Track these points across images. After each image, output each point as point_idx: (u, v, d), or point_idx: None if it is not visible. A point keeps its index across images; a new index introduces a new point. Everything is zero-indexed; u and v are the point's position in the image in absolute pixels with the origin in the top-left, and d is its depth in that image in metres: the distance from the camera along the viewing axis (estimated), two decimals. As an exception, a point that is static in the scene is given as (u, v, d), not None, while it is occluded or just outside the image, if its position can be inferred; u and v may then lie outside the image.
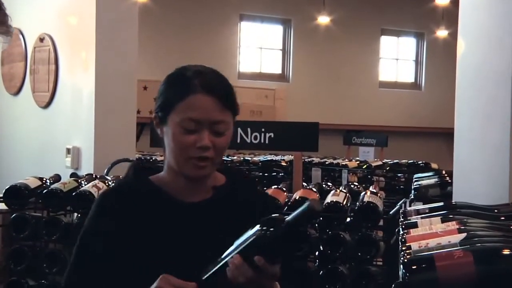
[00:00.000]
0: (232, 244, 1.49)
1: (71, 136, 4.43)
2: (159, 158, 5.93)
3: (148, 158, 6.13)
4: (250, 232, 1.46)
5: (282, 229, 1.41)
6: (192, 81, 1.64)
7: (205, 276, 1.49)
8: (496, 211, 1.70)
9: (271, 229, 1.42)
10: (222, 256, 1.49)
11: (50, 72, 4.57)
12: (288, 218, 1.42)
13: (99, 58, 4.19)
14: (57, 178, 3.31)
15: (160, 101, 1.69)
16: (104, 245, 1.65)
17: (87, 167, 4.17)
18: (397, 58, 11.93)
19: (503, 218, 1.63)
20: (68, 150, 4.35)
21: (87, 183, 3.07)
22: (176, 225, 1.66)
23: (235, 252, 1.46)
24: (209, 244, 1.58)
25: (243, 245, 1.46)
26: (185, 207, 1.68)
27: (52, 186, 3.00)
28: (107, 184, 3.09)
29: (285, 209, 2.69)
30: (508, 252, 1.25)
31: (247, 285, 1.45)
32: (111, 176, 3.36)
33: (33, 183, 3.09)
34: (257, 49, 10.80)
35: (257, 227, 1.44)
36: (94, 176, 3.32)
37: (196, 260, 1.52)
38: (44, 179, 3.20)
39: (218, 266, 1.48)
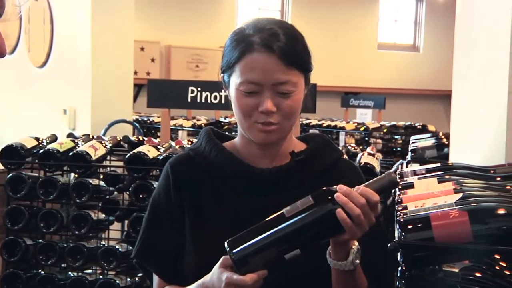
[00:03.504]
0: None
1: (67, 97, 4.41)
2: (156, 120, 5.91)
3: (145, 119, 6.12)
4: (301, 200, 1.36)
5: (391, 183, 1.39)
6: (250, 38, 1.49)
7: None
8: (492, 171, 1.70)
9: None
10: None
11: (45, 31, 4.53)
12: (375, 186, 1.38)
13: (95, 18, 4.15)
14: (53, 138, 3.29)
15: (223, 62, 1.56)
16: (170, 212, 1.60)
17: (83, 128, 4.17)
18: (396, 19, 11.83)
19: (499, 178, 1.63)
20: (65, 111, 4.33)
21: (84, 143, 3.06)
22: (245, 192, 1.56)
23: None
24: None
25: (374, 186, 1.38)
26: (257, 173, 1.55)
27: (49, 146, 2.99)
28: (104, 144, 3.08)
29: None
30: (503, 212, 1.25)
31: (355, 233, 1.35)
32: (108, 137, 3.35)
33: (30, 143, 3.07)
34: (256, 10, 10.70)
35: (308, 197, 1.36)
36: (91, 137, 3.31)
37: None
38: (41, 139, 3.18)
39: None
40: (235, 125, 5.33)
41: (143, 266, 1.67)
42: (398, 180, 1.45)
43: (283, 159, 1.58)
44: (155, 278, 1.64)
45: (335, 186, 1.38)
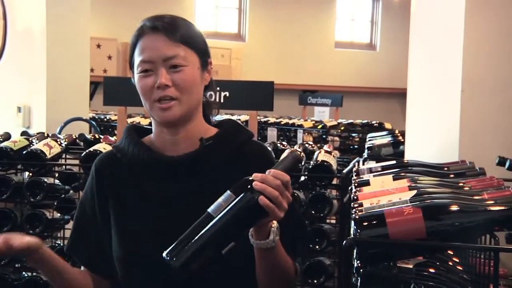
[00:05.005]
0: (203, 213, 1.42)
1: (22, 94, 4.33)
2: (113, 118, 5.86)
3: (102, 117, 6.06)
4: (223, 197, 1.42)
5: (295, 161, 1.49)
6: (141, 27, 1.63)
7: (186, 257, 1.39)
8: (446, 169, 1.73)
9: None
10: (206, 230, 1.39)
11: (-2, 28, 4.44)
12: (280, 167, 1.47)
13: (50, 14, 4.09)
14: (7, 136, 3.23)
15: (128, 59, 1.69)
16: (95, 209, 1.69)
17: (38, 126, 4.10)
18: (352, 18, 11.93)
19: (452, 175, 1.66)
20: (19, 109, 4.26)
21: (39, 142, 3.01)
22: (160, 180, 1.64)
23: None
24: (189, 203, 1.54)
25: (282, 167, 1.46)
26: (167, 161, 1.64)
27: (2, 144, 2.93)
28: (59, 142, 3.03)
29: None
30: (456, 208, 1.27)
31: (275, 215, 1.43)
32: (64, 135, 3.30)
33: (-18, 141, 3.01)
34: (214, 8, 10.68)
35: (228, 192, 1.42)
36: (46, 135, 3.26)
37: (174, 220, 1.49)
38: (-7, 137, 3.12)
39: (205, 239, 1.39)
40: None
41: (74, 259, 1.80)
42: (300, 155, 1.55)
43: (194, 145, 1.65)
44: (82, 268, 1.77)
45: (253, 175, 1.45)
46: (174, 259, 1.38)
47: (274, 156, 1.92)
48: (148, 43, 1.60)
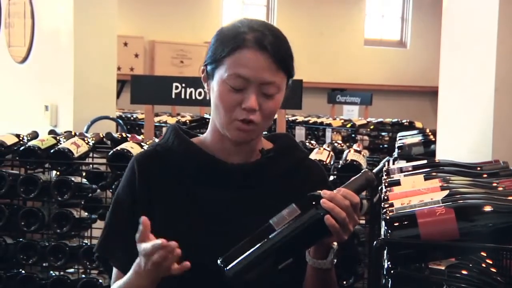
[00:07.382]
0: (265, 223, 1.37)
1: (49, 93, 4.36)
2: (139, 116, 5.87)
3: (129, 116, 6.07)
4: (286, 210, 1.37)
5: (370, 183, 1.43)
6: (246, 35, 1.51)
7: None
8: (479, 168, 1.70)
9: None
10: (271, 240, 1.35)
11: (26, 26, 4.47)
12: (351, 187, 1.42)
13: (77, 12, 4.10)
14: (34, 135, 3.25)
15: (209, 53, 1.57)
16: (134, 207, 1.58)
17: (65, 125, 4.12)
18: (382, 15, 11.83)
19: (485, 175, 1.63)
20: (46, 107, 4.28)
21: (66, 140, 3.02)
22: (216, 186, 1.57)
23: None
24: (256, 208, 1.51)
25: (352, 186, 1.41)
26: (230, 167, 1.57)
27: (30, 143, 2.94)
28: (86, 141, 3.04)
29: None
30: (490, 209, 1.25)
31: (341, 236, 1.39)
32: (91, 134, 3.30)
33: (10, 140, 3.03)
34: (240, 4, 10.67)
35: (293, 205, 1.38)
36: (73, 134, 3.27)
37: (227, 226, 1.44)
38: (21, 136, 3.14)
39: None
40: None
41: (104, 261, 1.67)
42: (374, 177, 1.47)
43: (252, 156, 1.61)
44: (114, 272, 1.62)
45: (318, 191, 1.40)
46: (230, 267, 1.34)
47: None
48: (251, 60, 1.50)
